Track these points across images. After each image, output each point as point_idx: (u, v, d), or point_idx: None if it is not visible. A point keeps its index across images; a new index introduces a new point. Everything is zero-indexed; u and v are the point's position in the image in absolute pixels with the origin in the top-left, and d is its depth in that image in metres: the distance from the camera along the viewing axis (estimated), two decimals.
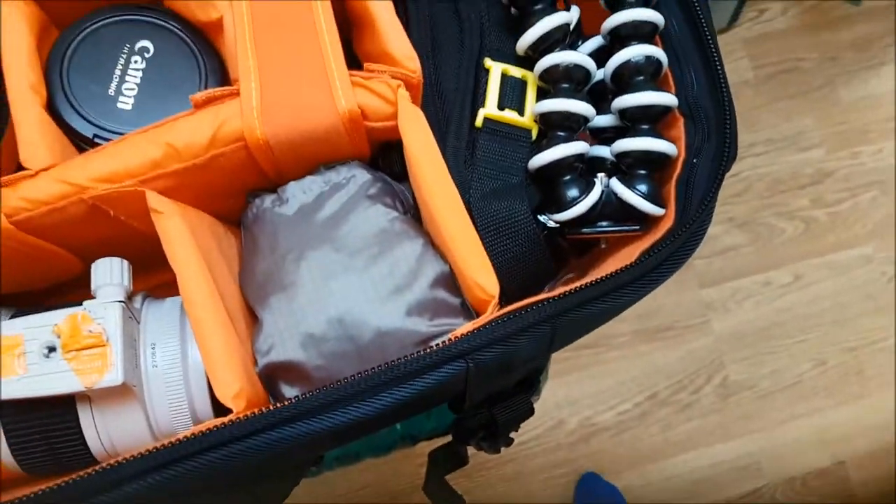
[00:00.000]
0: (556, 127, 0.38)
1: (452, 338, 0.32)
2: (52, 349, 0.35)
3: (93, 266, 0.37)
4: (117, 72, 0.40)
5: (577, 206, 0.36)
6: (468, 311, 0.37)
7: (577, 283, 0.32)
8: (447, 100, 0.42)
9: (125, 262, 0.38)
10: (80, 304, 0.37)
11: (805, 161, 1.30)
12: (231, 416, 0.31)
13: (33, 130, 0.36)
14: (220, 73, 0.41)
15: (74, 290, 0.43)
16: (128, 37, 0.40)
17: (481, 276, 0.34)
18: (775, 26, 1.33)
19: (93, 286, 0.37)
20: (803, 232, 1.28)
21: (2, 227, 0.34)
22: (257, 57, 0.37)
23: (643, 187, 0.36)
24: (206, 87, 0.40)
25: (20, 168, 0.36)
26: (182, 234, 0.35)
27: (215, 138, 0.36)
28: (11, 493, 0.37)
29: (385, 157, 0.42)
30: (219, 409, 0.38)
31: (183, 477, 0.30)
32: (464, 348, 0.31)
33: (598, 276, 0.32)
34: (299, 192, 0.39)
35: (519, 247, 0.36)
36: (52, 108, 0.38)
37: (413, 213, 0.41)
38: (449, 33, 0.44)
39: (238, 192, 0.40)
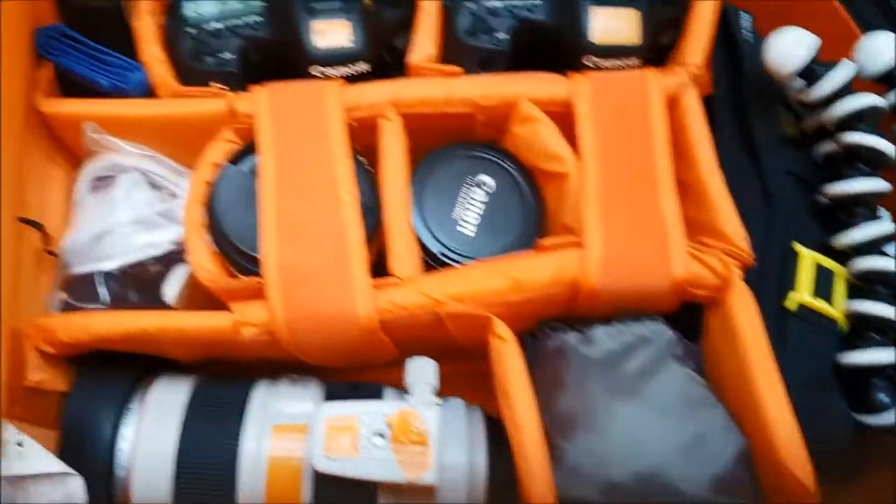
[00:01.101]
0: (872, 329, 0.40)
1: None
2: (381, 436, 0.39)
3: (410, 364, 0.42)
4: (461, 200, 0.46)
5: (890, 413, 0.38)
6: (759, 492, 0.38)
7: None
8: (753, 274, 0.44)
9: (436, 365, 0.43)
10: (376, 385, 0.43)
11: None
12: None
13: (404, 245, 0.42)
14: (541, 216, 0.46)
15: (365, 370, 0.48)
16: (474, 170, 0.46)
17: (798, 467, 0.35)
18: None
19: (408, 381, 0.42)
20: None
21: (370, 325, 0.40)
22: (601, 214, 0.42)
23: None
24: (531, 228, 0.46)
25: (379, 267, 0.43)
26: (519, 361, 0.40)
27: (554, 280, 0.41)
28: None
29: (685, 316, 0.45)
30: None
31: None
32: None
33: None
34: (606, 338, 0.42)
35: (831, 443, 0.37)
36: None
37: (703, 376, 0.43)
38: (755, 209, 0.47)
39: (537, 319, 0.45)
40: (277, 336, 0.40)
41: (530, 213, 0.46)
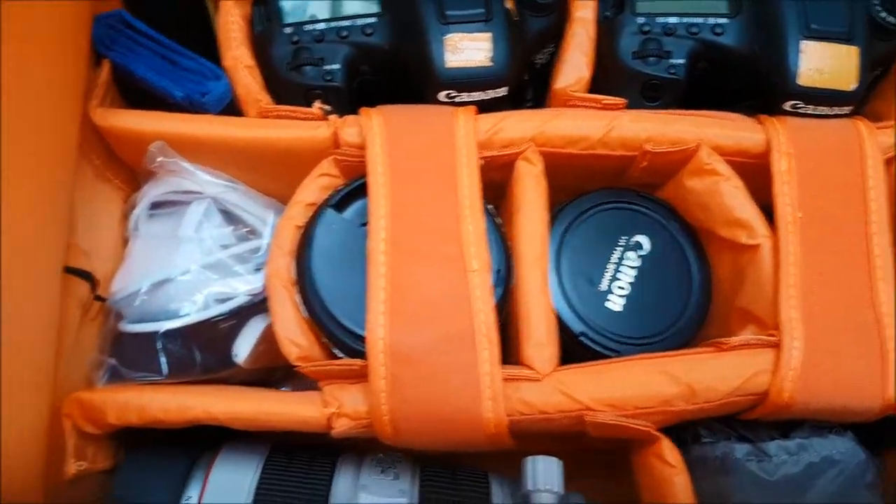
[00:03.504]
0: None
1: None
2: None
3: (530, 465, 0.34)
4: (611, 266, 0.38)
5: None
6: None
7: None
8: None
9: (561, 465, 0.35)
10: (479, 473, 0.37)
11: None
12: None
13: (543, 328, 0.34)
14: (708, 295, 0.38)
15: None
16: (626, 228, 0.39)
17: None
18: None
19: (528, 487, 0.34)
20: None
21: (498, 430, 0.32)
22: (803, 308, 0.34)
23: None
24: (696, 309, 0.38)
25: None
26: (690, 495, 0.32)
27: (738, 390, 0.33)
28: None
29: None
30: None
31: None
32: None
33: None
34: (784, 455, 0.35)
35: None
36: None
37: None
38: None
39: None
40: (378, 431, 0.33)
41: (694, 289, 0.38)
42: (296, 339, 0.33)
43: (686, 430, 0.38)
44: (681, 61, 0.39)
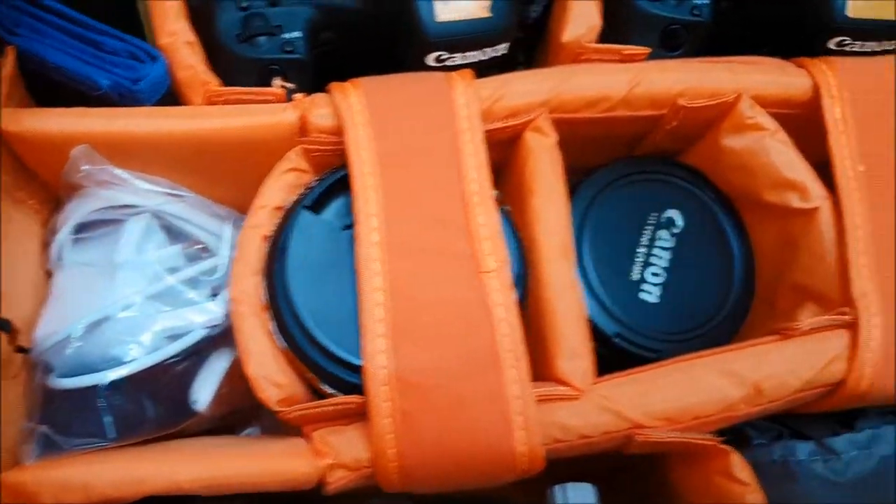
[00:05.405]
0: None
1: None
2: None
3: (561, 493, 0.29)
4: (642, 250, 0.33)
5: None
6: None
7: None
8: None
9: (596, 491, 0.30)
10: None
11: None
12: None
13: (577, 336, 0.29)
14: (751, 272, 0.34)
15: None
16: (655, 203, 0.34)
17: None
18: None
19: None
20: None
21: (534, 466, 0.27)
22: (877, 279, 0.29)
23: None
24: (741, 291, 0.33)
25: None
26: None
27: (812, 381, 0.29)
28: None
29: None
30: None
31: None
32: None
33: None
34: (853, 450, 0.31)
35: None
36: None
37: None
38: None
39: None
40: (382, 481, 0.27)
41: (737, 269, 0.34)
42: (274, 377, 0.27)
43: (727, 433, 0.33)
44: (705, 0, 0.34)
